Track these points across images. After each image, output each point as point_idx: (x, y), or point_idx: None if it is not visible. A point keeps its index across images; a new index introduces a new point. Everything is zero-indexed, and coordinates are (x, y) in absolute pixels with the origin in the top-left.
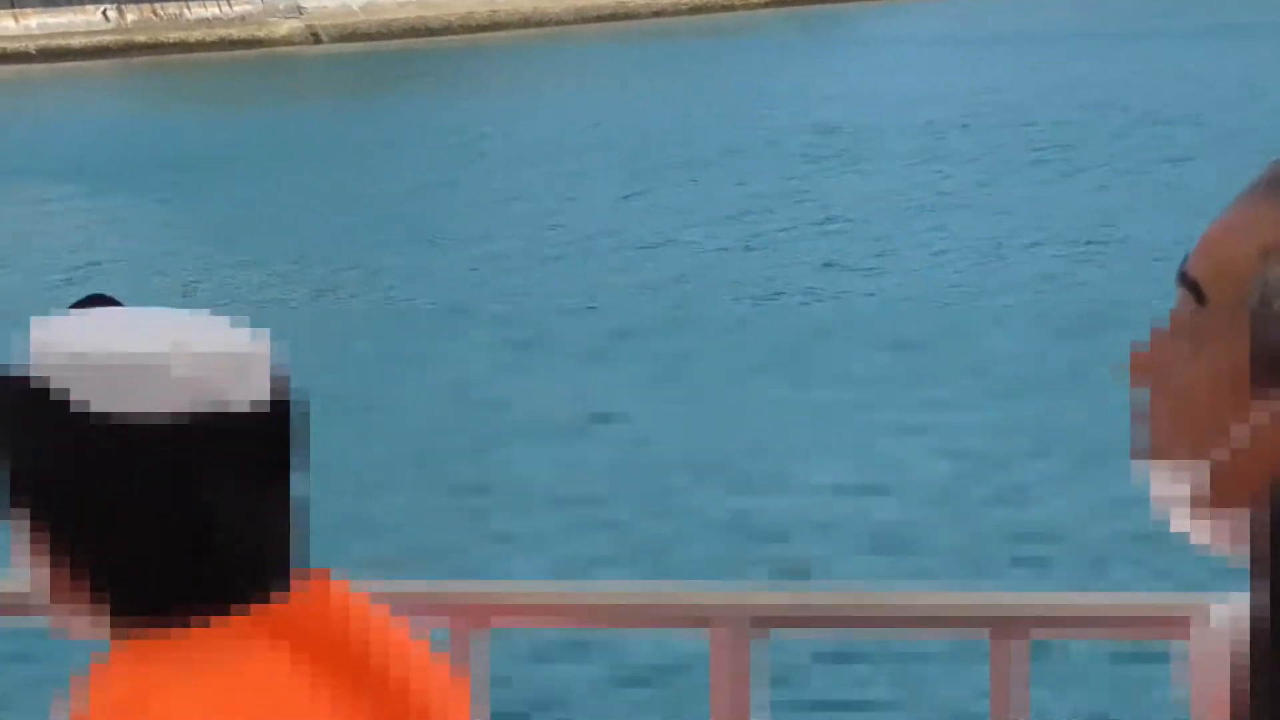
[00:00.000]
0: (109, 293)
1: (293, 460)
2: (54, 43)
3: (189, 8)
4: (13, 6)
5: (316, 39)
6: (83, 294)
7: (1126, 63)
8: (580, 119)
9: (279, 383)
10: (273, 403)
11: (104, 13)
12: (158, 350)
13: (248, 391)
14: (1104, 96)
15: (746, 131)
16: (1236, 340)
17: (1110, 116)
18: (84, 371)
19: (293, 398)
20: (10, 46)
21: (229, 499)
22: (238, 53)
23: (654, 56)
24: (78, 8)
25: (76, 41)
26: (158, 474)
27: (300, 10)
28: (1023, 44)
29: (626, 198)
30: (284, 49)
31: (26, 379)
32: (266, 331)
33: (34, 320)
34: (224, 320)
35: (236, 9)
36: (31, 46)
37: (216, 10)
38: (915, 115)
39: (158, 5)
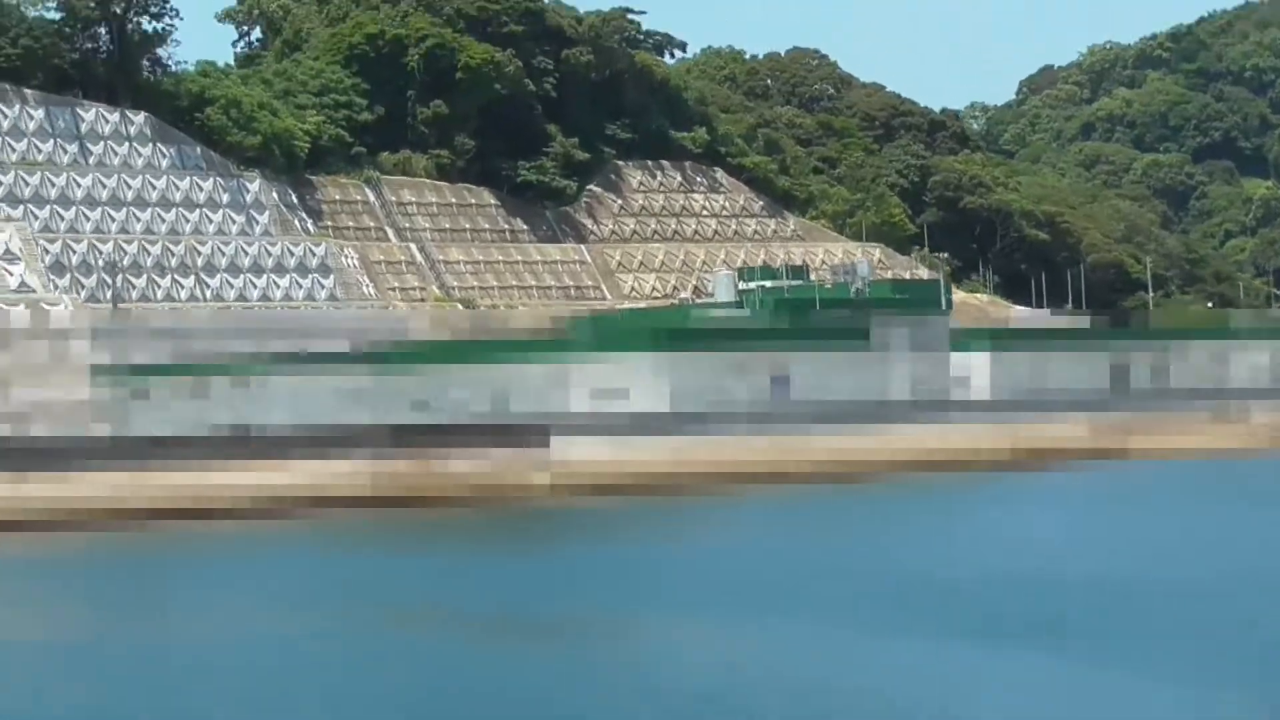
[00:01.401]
0: None
1: None
2: (322, 493)
3: (450, 459)
4: (281, 456)
5: (564, 490)
6: None
7: None
8: None
9: None
10: None
11: (370, 463)
12: None
13: None
14: None
15: None
16: None
17: None
18: None
19: None
20: (278, 497)
21: None
22: (490, 505)
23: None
24: (343, 458)
25: (343, 492)
26: None
27: (558, 463)
28: None
29: None
30: (534, 499)
31: None
32: None
33: None
34: None
35: (494, 460)
36: (300, 497)
37: (476, 463)
38: None
39: (421, 456)
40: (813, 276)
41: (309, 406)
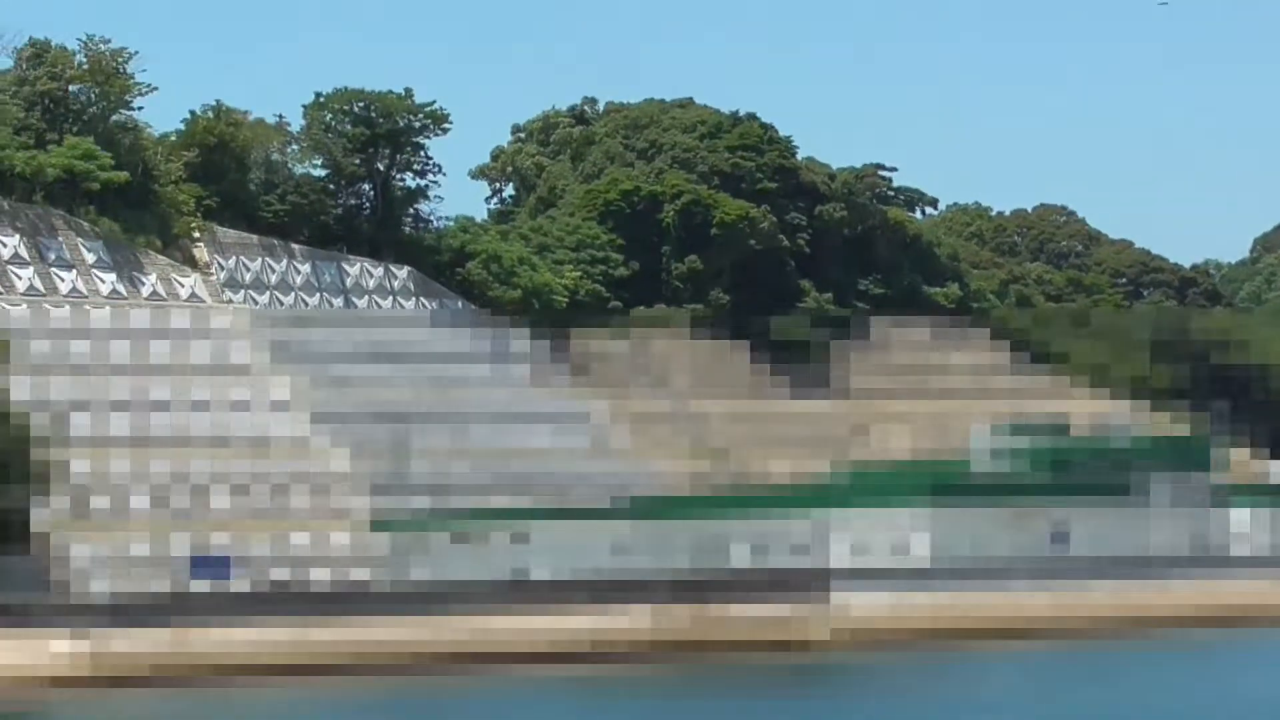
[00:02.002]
0: None
1: None
2: (605, 643)
3: (734, 608)
4: (566, 602)
5: (846, 641)
6: None
7: None
8: None
9: None
10: None
11: (653, 612)
12: None
13: None
14: None
15: None
16: None
17: None
18: None
19: None
20: (562, 646)
21: None
22: (771, 655)
23: None
24: (627, 606)
25: (628, 642)
26: None
27: (840, 612)
28: None
29: None
30: (816, 650)
31: None
32: None
33: None
34: None
35: (778, 610)
36: (584, 646)
37: (760, 612)
38: None
39: (705, 606)
40: (1072, 431)
41: (583, 556)
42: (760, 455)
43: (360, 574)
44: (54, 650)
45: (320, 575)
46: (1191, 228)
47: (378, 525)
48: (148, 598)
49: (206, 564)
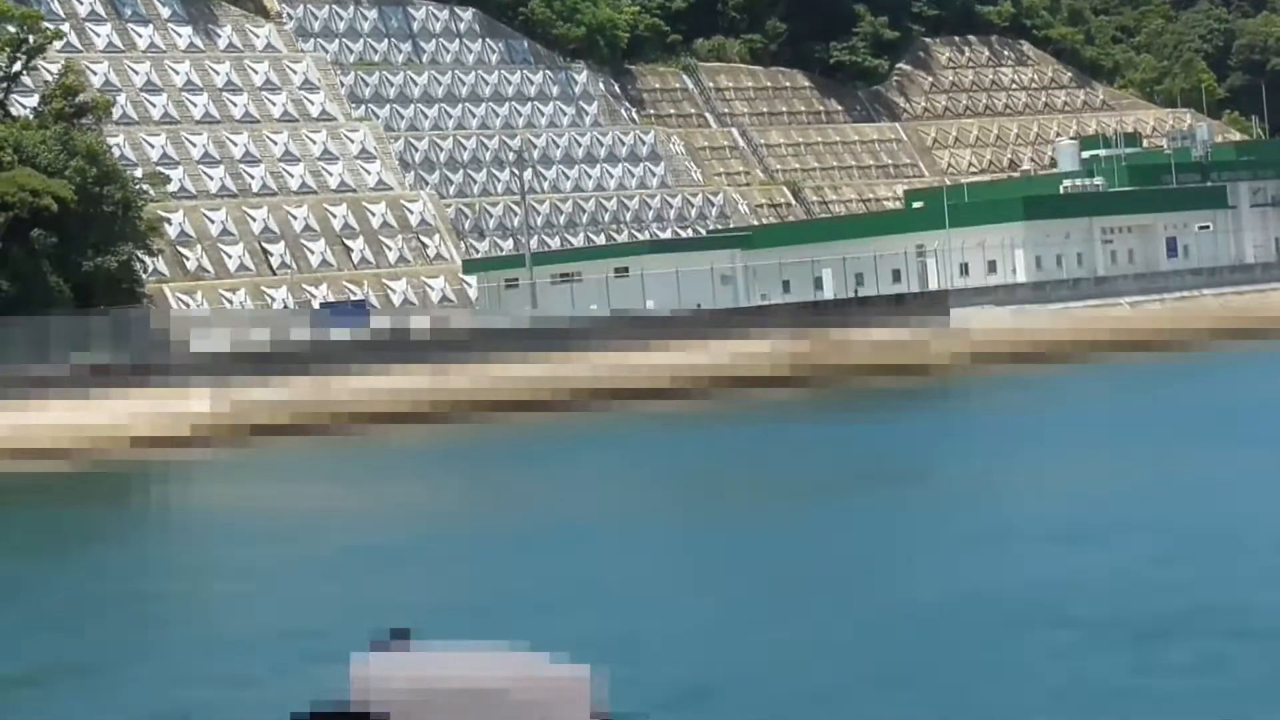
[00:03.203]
0: None
1: None
2: (739, 372)
3: (859, 333)
4: (699, 336)
5: (975, 359)
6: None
7: None
8: None
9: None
10: None
11: (781, 340)
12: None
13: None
14: None
15: None
16: None
17: None
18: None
19: None
20: (698, 377)
21: None
22: (905, 376)
23: None
24: (758, 336)
25: (760, 370)
26: None
27: (961, 332)
28: None
29: None
30: (940, 371)
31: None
32: (586, 666)
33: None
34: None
35: (902, 332)
36: (718, 376)
37: (885, 335)
38: None
39: (831, 331)
40: (1144, 144)
41: (689, 291)
42: (827, 183)
43: (461, 318)
44: (192, 405)
45: (420, 322)
46: None
47: (472, 268)
48: (290, 345)
49: (342, 312)
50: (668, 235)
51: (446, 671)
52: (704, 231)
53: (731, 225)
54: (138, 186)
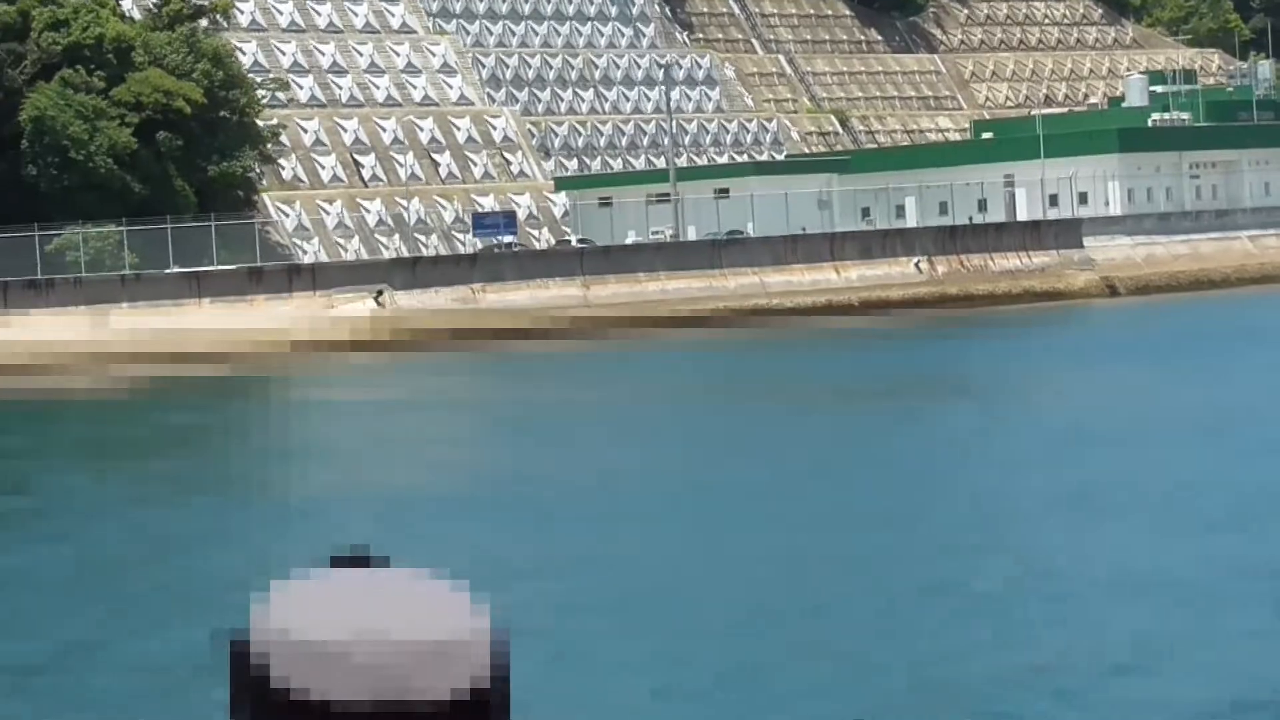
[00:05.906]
0: None
1: None
2: (874, 294)
3: (993, 260)
4: (834, 258)
5: (1112, 291)
6: None
7: None
8: None
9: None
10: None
11: (916, 265)
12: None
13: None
14: None
15: None
16: None
17: None
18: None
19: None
20: (835, 299)
21: None
22: (1039, 304)
23: None
24: (891, 260)
25: (894, 294)
26: None
27: (1092, 263)
28: None
29: None
30: (1080, 300)
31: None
32: (487, 608)
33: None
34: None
35: (1036, 260)
36: (854, 299)
37: (1018, 263)
38: None
39: (964, 258)
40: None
41: (788, 215)
42: (872, 113)
43: (561, 235)
44: (340, 312)
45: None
46: None
47: (564, 184)
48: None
49: (487, 224)
50: (724, 160)
51: (333, 620)
52: (759, 158)
53: (786, 153)
54: (259, 92)
